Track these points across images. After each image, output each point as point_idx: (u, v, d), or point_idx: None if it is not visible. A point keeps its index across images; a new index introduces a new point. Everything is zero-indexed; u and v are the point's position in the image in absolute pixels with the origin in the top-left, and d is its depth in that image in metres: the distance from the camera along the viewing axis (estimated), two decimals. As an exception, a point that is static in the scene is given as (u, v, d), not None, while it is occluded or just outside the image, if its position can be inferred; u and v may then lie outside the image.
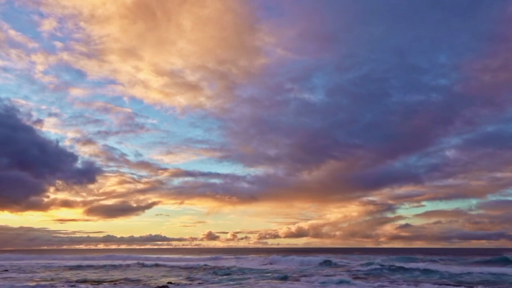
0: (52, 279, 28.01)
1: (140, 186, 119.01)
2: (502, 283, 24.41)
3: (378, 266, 33.24)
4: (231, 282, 25.34)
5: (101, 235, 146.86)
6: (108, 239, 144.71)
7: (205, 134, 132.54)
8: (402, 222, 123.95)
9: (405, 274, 29.46)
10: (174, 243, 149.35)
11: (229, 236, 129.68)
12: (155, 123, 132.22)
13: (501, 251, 53.68)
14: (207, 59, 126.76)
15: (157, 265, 41.53)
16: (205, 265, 39.05)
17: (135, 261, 47.72)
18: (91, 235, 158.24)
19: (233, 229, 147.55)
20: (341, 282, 24.08)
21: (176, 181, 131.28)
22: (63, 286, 24.11)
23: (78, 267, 38.87)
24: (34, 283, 24.51)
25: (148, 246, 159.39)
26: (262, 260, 47.78)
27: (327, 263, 40.71)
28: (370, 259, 47.29)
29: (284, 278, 27.06)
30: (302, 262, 42.64)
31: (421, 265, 33.17)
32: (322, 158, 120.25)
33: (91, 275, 31.30)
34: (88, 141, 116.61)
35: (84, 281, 26.54)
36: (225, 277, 28.78)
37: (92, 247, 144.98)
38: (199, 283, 25.74)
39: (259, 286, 23.55)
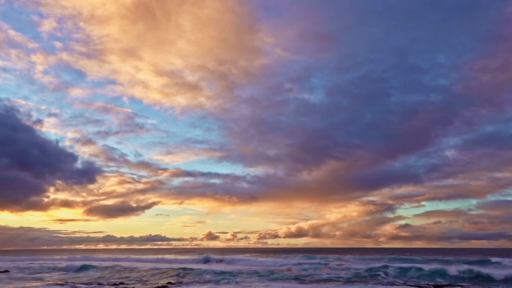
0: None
1: (140, 186, 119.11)
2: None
3: (361, 267, 32.91)
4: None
5: (101, 235, 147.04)
6: (108, 239, 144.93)
7: (205, 134, 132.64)
8: (402, 222, 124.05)
9: (390, 273, 29.50)
10: (174, 243, 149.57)
11: (229, 236, 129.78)
12: (155, 123, 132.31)
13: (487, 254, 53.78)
14: (206, 59, 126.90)
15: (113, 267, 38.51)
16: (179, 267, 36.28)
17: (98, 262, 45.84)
18: (91, 235, 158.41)
19: (233, 229, 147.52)
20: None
21: (176, 181, 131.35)
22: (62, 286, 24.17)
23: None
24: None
25: (148, 246, 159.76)
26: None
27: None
28: (365, 259, 47.23)
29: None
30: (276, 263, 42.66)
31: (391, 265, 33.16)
32: (322, 158, 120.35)
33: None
34: (88, 141, 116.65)
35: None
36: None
37: (92, 247, 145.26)
38: (199, 283, 25.80)
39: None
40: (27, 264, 45.14)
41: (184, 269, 33.15)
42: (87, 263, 42.58)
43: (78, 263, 41.35)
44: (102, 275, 31.43)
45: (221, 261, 49.40)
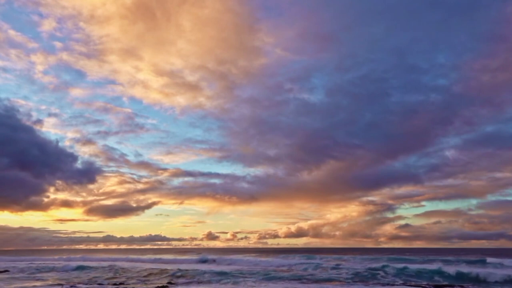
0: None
1: (140, 186, 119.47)
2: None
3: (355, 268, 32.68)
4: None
5: (101, 235, 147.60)
6: (108, 239, 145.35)
7: (205, 134, 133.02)
8: (402, 222, 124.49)
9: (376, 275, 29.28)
10: (174, 243, 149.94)
11: (229, 236, 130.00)
12: (155, 123, 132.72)
13: (487, 255, 53.79)
14: (206, 59, 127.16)
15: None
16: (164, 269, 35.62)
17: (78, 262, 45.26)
18: (91, 235, 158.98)
19: (233, 229, 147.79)
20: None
21: (176, 181, 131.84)
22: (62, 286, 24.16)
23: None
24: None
25: (148, 246, 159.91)
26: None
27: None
28: (364, 259, 47.16)
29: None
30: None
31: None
32: (322, 158, 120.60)
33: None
34: (88, 141, 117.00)
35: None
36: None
37: (92, 247, 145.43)
38: (198, 283, 25.78)
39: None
40: (27, 264, 45.07)
41: (180, 269, 33.07)
42: (83, 263, 42.53)
43: (74, 263, 41.33)
44: (97, 275, 31.32)
45: (215, 261, 49.27)
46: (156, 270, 33.74)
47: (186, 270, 32.71)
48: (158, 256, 63.13)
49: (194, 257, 57.81)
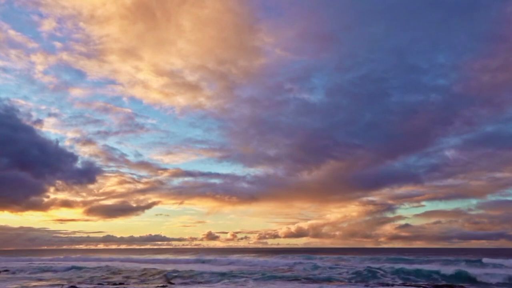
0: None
1: (140, 186, 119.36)
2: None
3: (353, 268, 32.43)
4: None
5: (101, 235, 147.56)
6: (108, 239, 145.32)
7: (205, 134, 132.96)
8: (402, 222, 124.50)
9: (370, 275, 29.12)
10: (174, 243, 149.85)
11: (229, 236, 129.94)
12: (155, 123, 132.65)
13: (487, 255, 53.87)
14: (206, 59, 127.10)
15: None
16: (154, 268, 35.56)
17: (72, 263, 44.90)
18: (91, 235, 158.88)
19: (233, 229, 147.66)
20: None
21: (176, 181, 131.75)
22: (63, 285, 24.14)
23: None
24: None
25: (148, 246, 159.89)
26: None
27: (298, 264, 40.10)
28: (364, 259, 47.13)
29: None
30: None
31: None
32: (322, 158, 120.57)
33: None
34: (88, 141, 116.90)
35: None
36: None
37: (92, 247, 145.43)
38: (196, 283, 25.76)
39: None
40: (27, 264, 45.01)
41: (178, 270, 32.91)
42: (79, 263, 42.41)
43: (71, 263, 41.29)
44: (92, 275, 31.14)
45: (210, 261, 49.19)
46: (153, 270, 33.63)
47: (184, 270, 32.65)
48: (155, 257, 62.97)
49: (192, 257, 57.76)
